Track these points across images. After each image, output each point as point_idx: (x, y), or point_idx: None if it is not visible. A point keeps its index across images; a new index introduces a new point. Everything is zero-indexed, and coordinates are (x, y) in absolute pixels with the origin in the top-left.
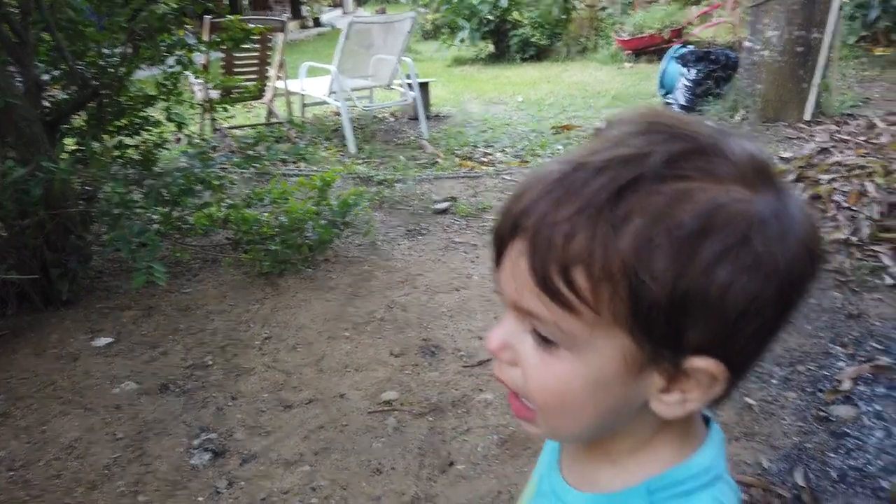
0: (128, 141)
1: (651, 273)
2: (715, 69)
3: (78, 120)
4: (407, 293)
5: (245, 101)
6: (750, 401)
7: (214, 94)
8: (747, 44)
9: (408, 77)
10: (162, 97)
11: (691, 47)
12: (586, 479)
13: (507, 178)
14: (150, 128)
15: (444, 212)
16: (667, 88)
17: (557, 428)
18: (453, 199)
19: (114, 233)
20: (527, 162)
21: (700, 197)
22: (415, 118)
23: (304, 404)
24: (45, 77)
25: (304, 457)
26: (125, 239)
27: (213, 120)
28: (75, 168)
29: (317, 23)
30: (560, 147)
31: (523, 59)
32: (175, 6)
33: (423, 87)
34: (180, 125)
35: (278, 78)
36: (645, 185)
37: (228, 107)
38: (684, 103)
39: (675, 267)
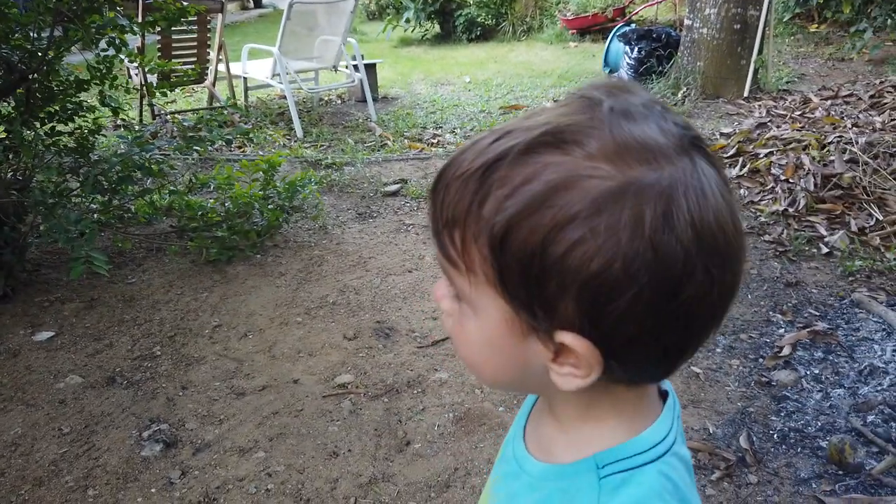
0: (61, 128)
1: (504, 238)
2: (657, 47)
3: (6, 107)
4: (359, 276)
5: (185, 86)
6: (696, 369)
7: (153, 78)
8: (687, 21)
9: (353, 58)
10: (95, 82)
11: (634, 26)
12: (543, 447)
13: None
14: (85, 114)
15: (394, 194)
16: (611, 66)
17: (475, 373)
18: (404, 181)
19: (49, 222)
20: None
21: (558, 169)
22: (362, 100)
23: (258, 391)
24: None
25: (258, 443)
26: (61, 228)
27: (152, 105)
28: (4, 156)
29: (258, 3)
30: None
31: (469, 40)
32: None
33: (370, 68)
34: (115, 110)
35: (219, 61)
36: (513, 156)
37: (168, 91)
38: None
39: (522, 232)
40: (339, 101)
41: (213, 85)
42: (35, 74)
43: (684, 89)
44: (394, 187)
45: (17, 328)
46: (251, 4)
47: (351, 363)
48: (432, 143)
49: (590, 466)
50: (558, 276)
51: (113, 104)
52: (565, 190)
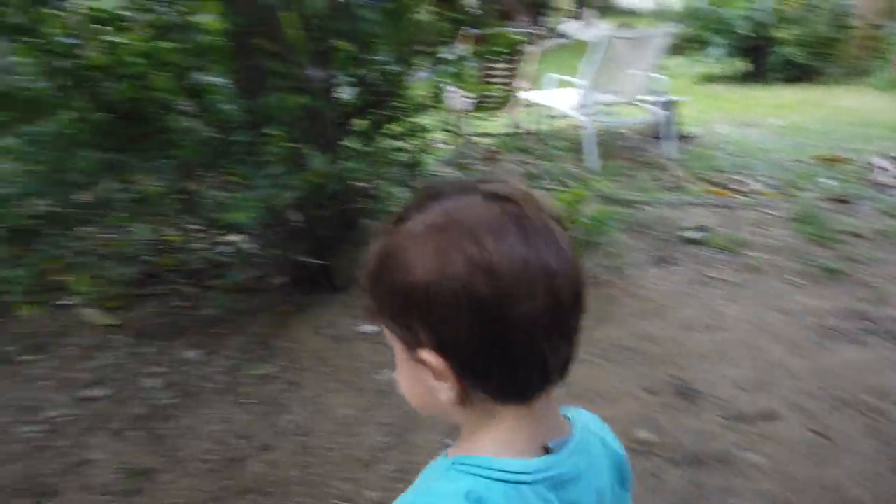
0: (400, 145)
1: (374, 278)
2: None
3: (362, 123)
4: (655, 325)
5: (493, 111)
6: None
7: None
8: None
9: (657, 94)
10: (431, 105)
11: None
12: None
13: (767, 211)
14: (420, 133)
15: (693, 241)
16: None
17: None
18: (705, 228)
19: None
20: (788, 194)
21: (392, 239)
22: (657, 136)
23: None
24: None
25: None
26: None
27: (459, 128)
28: (369, 168)
29: (556, 34)
30: (826, 180)
31: (783, 80)
32: (450, 20)
33: (671, 105)
34: (451, 132)
35: (527, 89)
36: (392, 223)
37: (481, 115)
38: None
39: (373, 279)
40: (635, 136)
41: (516, 111)
42: (389, 97)
43: None
44: (694, 234)
45: (346, 318)
46: (551, 34)
47: (650, 418)
48: (735, 190)
49: (448, 462)
50: (402, 300)
51: (451, 129)
52: (387, 248)
